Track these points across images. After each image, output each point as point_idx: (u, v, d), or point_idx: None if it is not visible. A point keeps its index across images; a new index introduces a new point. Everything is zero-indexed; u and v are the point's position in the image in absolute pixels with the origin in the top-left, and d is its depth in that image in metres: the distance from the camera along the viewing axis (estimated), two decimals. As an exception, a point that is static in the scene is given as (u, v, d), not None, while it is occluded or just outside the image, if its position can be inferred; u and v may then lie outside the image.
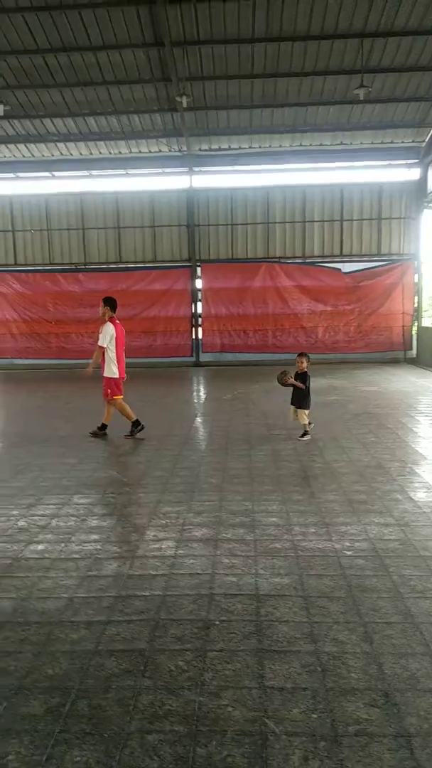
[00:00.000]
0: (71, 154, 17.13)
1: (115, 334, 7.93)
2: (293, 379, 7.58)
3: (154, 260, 17.92)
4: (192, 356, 18.04)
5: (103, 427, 8.11)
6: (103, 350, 7.88)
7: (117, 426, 8.14)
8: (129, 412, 8.02)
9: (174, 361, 17.92)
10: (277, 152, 16.83)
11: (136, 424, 7.98)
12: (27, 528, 4.66)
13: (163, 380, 14.97)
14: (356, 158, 16.94)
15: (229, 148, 16.78)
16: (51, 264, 18.09)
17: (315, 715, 2.43)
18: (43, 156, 17.23)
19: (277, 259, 17.65)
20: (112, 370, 7.92)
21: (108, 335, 7.87)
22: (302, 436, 7.54)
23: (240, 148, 16.73)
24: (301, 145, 16.62)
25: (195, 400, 12.31)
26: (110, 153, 17.08)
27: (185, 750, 2.25)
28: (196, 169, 17.27)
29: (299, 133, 16.10)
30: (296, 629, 3.07)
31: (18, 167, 17.61)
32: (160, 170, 17.49)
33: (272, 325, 17.65)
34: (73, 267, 18.08)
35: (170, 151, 16.82)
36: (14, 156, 17.30)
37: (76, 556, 4.08)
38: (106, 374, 7.96)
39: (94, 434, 8.04)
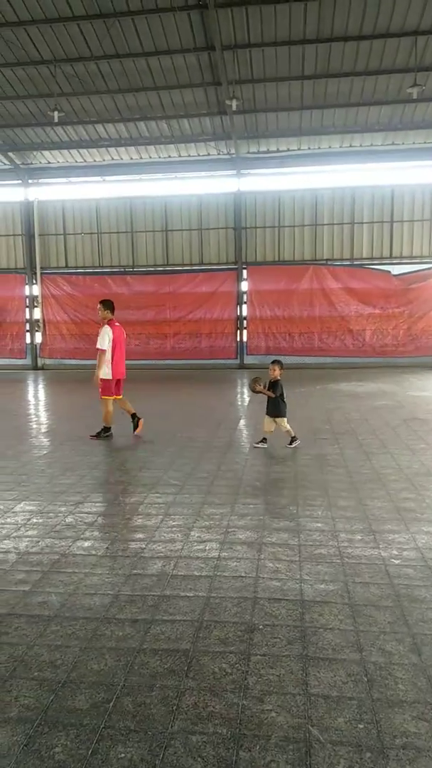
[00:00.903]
0: (122, 159, 17.46)
1: (112, 337, 8.04)
2: (263, 387, 7.24)
3: (200, 263, 18.06)
4: (236, 359, 18.06)
5: (133, 416, 8.31)
6: (103, 353, 8.00)
7: (158, 423, 8.20)
8: (108, 416, 8.15)
9: (218, 363, 17.98)
10: (326, 153, 16.69)
11: (106, 430, 8.15)
12: (74, 525, 4.75)
13: (208, 382, 15.03)
14: (408, 158, 16.62)
15: (278, 150, 16.75)
16: (100, 267, 18.48)
17: (361, 726, 2.38)
18: (95, 161, 17.62)
19: (324, 261, 17.49)
20: (105, 371, 8.05)
21: (106, 338, 8.00)
22: (290, 443, 7.28)
23: (288, 150, 16.67)
24: (350, 146, 16.42)
25: (239, 403, 12.29)
26: (159, 157, 17.31)
27: (228, 753, 2.24)
28: (244, 171, 17.31)
29: (349, 134, 15.91)
30: (342, 637, 3.01)
31: (71, 172, 18.07)
32: (208, 173, 17.60)
33: (318, 328, 17.49)
34: (122, 270, 18.40)
35: (219, 154, 16.91)
36: (67, 161, 17.76)
37: (121, 554, 4.13)
38: (100, 375, 8.10)
39: (135, 428, 8.26)
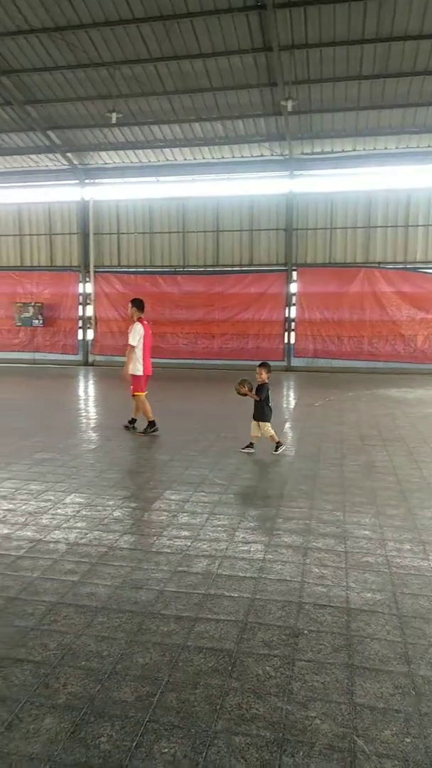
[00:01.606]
0: (176, 160, 17.61)
1: (143, 334, 8.31)
2: (248, 390, 7.10)
3: (250, 264, 18.03)
4: (283, 360, 17.94)
5: (133, 421, 8.59)
6: (132, 348, 8.29)
7: (203, 422, 8.22)
8: (148, 410, 8.39)
9: (266, 364, 17.90)
10: (381, 155, 16.37)
11: (152, 425, 8.36)
12: (122, 519, 4.83)
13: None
14: (468, 160, 16.11)
15: (332, 151, 16.54)
16: (152, 266, 18.69)
17: (408, 739, 2.33)
18: (150, 161, 17.84)
19: (376, 264, 17.16)
20: (136, 367, 8.35)
21: (138, 335, 8.29)
22: (276, 449, 7.11)
23: (343, 151, 16.44)
24: (407, 147, 16.06)
25: (285, 405, 12.21)
26: (213, 158, 17.38)
27: (272, 757, 2.23)
28: (297, 172, 17.18)
29: (407, 135, 15.57)
30: (389, 648, 2.95)
31: (126, 173, 18.36)
32: (260, 174, 17.55)
33: (368, 332, 17.18)
34: (173, 269, 18.57)
35: (272, 155, 16.84)
36: (123, 162, 18.06)
37: (167, 550, 4.17)
38: (131, 371, 8.37)
39: (126, 427, 8.59)
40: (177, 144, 16.80)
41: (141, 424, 8.52)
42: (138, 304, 8.61)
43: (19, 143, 17.55)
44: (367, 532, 4.56)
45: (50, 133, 16.74)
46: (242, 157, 17.20)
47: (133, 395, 8.50)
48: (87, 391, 14.60)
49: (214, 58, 13.21)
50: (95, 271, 18.99)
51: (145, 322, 8.54)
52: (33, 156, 18.12)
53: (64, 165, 18.29)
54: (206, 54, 13.06)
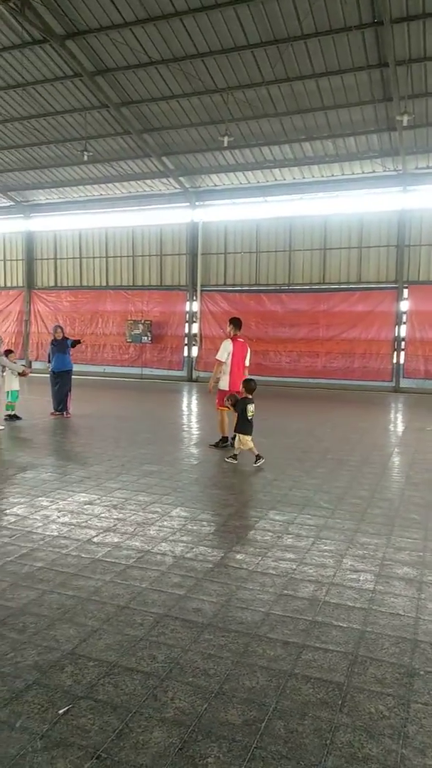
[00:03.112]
0: (284, 179, 17.71)
1: (231, 351, 8.38)
2: (230, 405, 7.69)
3: (358, 281, 17.65)
4: (391, 381, 17.29)
5: (224, 439, 8.58)
6: (221, 364, 8.41)
7: (308, 442, 8.05)
8: (225, 426, 8.45)
9: (371, 384, 17.36)
10: None
11: (224, 440, 8.46)
12: (226, 536, 4.82)
13: (359, 403, 14.56)
14: None
15: (450, 164, 15.86)
16: (257, 284, 18.84)
17: None
18: (258, 182, 18.08)
19: None
20: (222, 382, 8.46)
21: (225, 351, 8.40)
22: (230, 457, 7.60)
23: (462, 163, 15.71)
24: None
25: (393, 428, 11.73)
26: (322, 176, 17.29)
27: (387, 804, 2.09)
28: (410, 188, 16.64)
29: None
30: None
31: (234, 194, 18.74)
32: (371, 191, 17.19)
33: None
34: (278, 288, 18.60)
35: (384, 170, 16.46)
36: (232, 183, 18.45)
37: (272, 572, 4.11)
38: (219, 386, 8.47)
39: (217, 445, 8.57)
40: (286, 164, 16.90)
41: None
42: (234, 322, 8.76)
43: (136, 169, 18.52)
44: None
45: (165, 158, 17.50)
46: (353, 174, 16.96)
47: (217, 409, 8.64)
48: (191, 406, 14.91)
49: (327, 77, 13.21)
50: (202, 290, 19.47)
51: (240, 340, 8.60)
52: (148, 181, 19.03)
53: (176, 189, 19.02)
54: (319, 74, 13.09)
